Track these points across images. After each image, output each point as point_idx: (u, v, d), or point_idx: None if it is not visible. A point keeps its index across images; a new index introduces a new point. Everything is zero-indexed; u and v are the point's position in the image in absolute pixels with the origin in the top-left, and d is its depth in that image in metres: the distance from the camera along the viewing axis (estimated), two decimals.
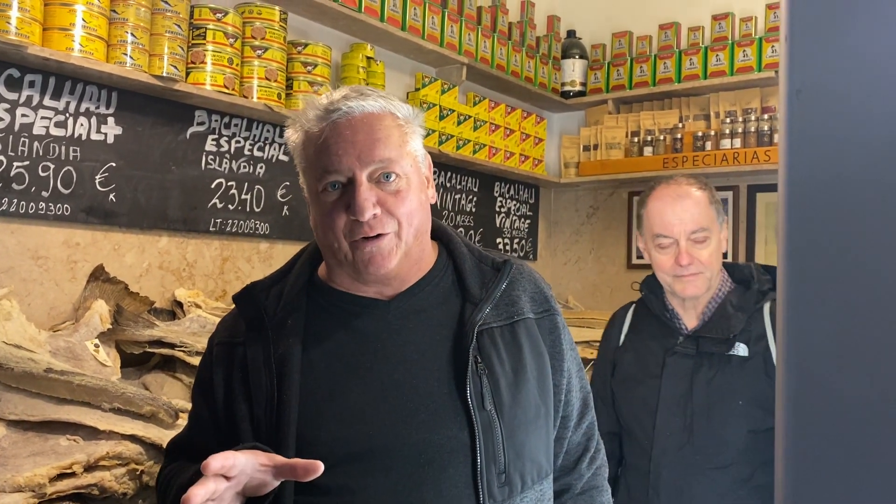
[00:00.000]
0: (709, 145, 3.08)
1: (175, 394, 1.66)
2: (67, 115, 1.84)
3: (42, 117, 1.79)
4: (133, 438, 1.35)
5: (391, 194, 0.97)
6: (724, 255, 1.63)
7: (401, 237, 0.98)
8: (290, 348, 0.98)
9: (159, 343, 1.76)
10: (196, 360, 1.66)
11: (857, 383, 0.38)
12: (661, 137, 3.21)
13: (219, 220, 2.20)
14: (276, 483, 0.87)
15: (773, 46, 2.98)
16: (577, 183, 3.54)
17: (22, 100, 1.76)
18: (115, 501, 1.31)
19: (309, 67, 2.30)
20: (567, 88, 3.51)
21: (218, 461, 0.80)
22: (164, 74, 1.92)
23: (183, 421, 1.42)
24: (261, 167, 2.32)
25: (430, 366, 0.98)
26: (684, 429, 1.53)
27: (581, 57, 3.52)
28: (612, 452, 1.71)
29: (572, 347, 1.12)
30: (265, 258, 2.36)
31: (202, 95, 2.01)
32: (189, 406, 1.24)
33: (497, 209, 3.39)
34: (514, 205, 3.49)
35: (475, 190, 3.23)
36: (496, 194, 3.37)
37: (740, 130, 3.01)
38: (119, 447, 1.32)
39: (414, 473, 0.92)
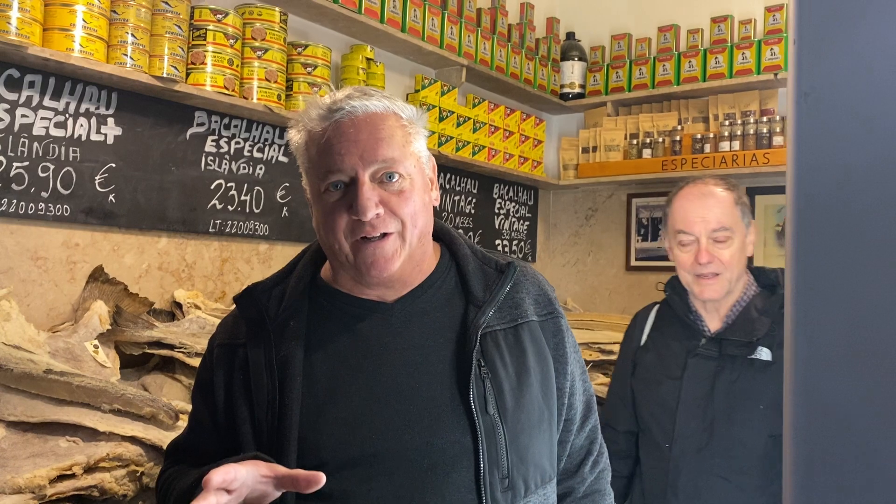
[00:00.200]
0: (708, 147, 3.08)
1: (174, 395, 1.66)
2: (67, 115, 1.84)
3: (42, 118, 1.79)
4: (133, 440, 1.35)
5: (394, 194, 0.96)
6: (751, 260, 1.62)
7: (405, 238, 0.97)
8: (292, 351, 0.97)
9: (158, 344, 1.76)
10: (195, 362, 1.66)
11: (865, 386, 0.38)
12: (660, 140, 3.22)
13: (218, 222, 2.20)
14: (277, 494, 0.86)
15: (771, 49, 2.98)
16: (575, 185, 3.54)
17: (22, 100, 1.75)
18: (115, 503, 1.31)
19: (309, 69, 2.30)
20: (566, 90, 3.51)
21: (219, 476, 0.79)
22: (165, 75, 1.91)
23: (183, 422, 1.41)
24: (260, 168, 2.32)
25: (432, 369, 0.97)
26: (704, 431, 1.51)
27: (580, 59, 3.53)
28: (628, 451, 1.70)
29: (576, 350, 1.11)
30: (264, 259, 2.36)
31: (202, 96, 2.01)
32: (188, 407, 1.24)
33: (496, 211, 3.39)
34: (513, 206, 3.50)
35: (474, 192, 3.23)
36: (495, 196, 3.38)
37: (739, 133, 3.01)
38: (119, 448, 1.31)
39: (416, 478, 0.92)
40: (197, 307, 2.02)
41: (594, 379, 2.45)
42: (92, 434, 1.33)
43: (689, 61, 3.19)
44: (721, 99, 3.19)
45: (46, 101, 1.80)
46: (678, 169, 3.12)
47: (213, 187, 2.18)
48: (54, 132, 1.82)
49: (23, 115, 1.76)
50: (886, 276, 0.37)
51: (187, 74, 2.00)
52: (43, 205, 1.79)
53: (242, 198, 2.27)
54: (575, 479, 1.11)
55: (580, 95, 3.51)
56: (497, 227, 3.40)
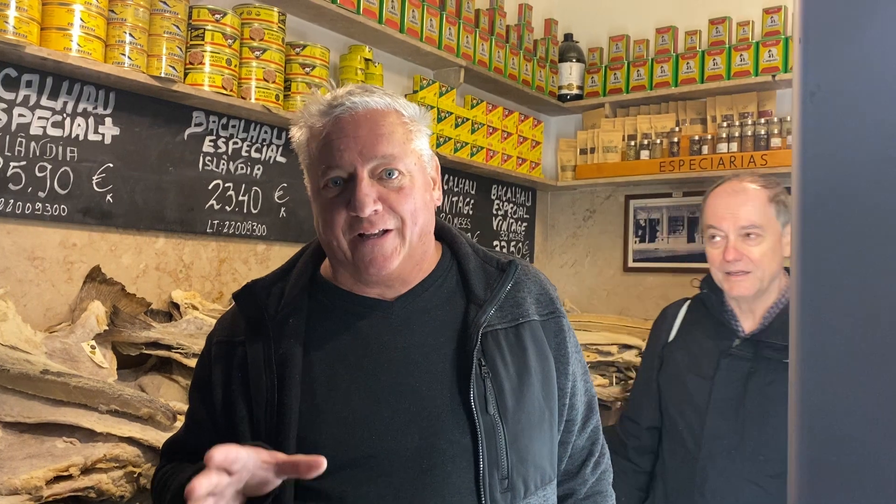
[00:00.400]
0: (705, 149, 3.08)
1: (172, 396, 1.65)
2: (65, 115, 1.83)
3: (39, 117, 1.78)
4: (130, 441, 1.34)
5: (393, 191, 0.95)
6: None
7: (404, 236, 0.96)
8: (291, 349, 0.97)
9: (156, 345, 1.76)
10: (193, 362, 1.65)
11: (872, 384, 0.38)
12: (658, 141, 3.22)
13: (216, 222, 2.19)
14: (278, 481, 0.85)
15: (769, 51, 2.99)
16: (573, 186, 3.54)
17: (19, 99, 1.75)
18: None
19: (307, 69, 2.29)
20: (564, 92, 3.51)
21: (221, 453, 0.79)
22: (163, 75, 1.91)
23: (180, 423, 1.40)
24: (258, 168, 2.31)
25: (432, 368, 0.96)
26: (735, 433, 1.49)
27: (578, 60, 3.53)
28: (651, 446, 1.68)
29: (577, 350, 1.10)
30: (262, 260, 2.35)
31: (200, 96, 2.01)
32: (186, 408, 1.23)
33: (494, 212, 3.39)
34: (511, 207, 3.50)
35: (472, 192, 3.23)
36: (493, 197, 3.37)
37: (737, 134, 3.02)
38: (116, 449, 1.31)
39: (415, 479, 0.91)
40: (194, 308, 2.02)
41: (592, 380, 2.45)
42: (89, 435, 1.32)
43: (687, 63, 3.20)
44: (719, 100, 3.19)
45: (44, 101, 1.79)
46: (676, 170, 3.12)
47: (210, 187, 2.18)
48: (51, 132, 1.81)
49: (20, 115, 1.75)
50: (894, 275, 0.37)
51: (185, 74, 2.00)
52: (40, 205, 1.78)
53: (240, 198, 2.26)
54: (576, 480, 1.10)
55: (578, 97, 3.51)
56: (495, 228, 3.40)
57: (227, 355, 1.01)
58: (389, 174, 0.95)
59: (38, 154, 1.78)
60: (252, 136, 2.29)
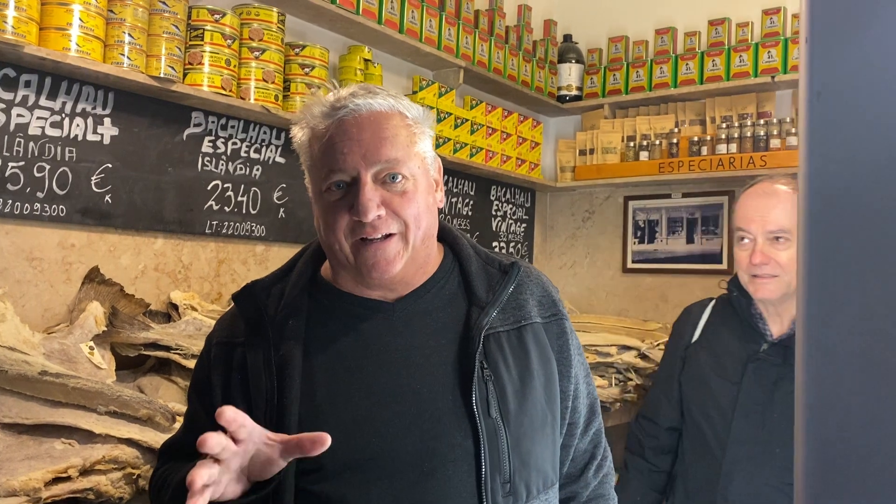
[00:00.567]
0: (705, 150, 3.08)
1: (170, 397, 1.65)
2: (63, 115, 1.83)
3: (38, 117, 1.78)
4: (129, 442, 1.34)
5: (397, 195, 0.95)
6: None
7: (407, 240, 0.96)
8: (292, 351, 0.96)
9: (154, 346, 1.75)
10: (192, 363, 1.65)
11: (879, 386, 0.38)
12: (657, 142, 3.22)
13: (215, 222, 2.19)
14: (283, 463, 0.84)
15: (769, 52, 2.99)
16: (572, 187, 3.54)
17: (18, 100, 1.74)
18: None
19: (306, 69, 2.29)
20: (563, 93, 3.51)
21: (231, 411, 0.78)
22: (162, 75, 1.90)
23: (179, 424, 1.40)
24: (257, 169, 2.31)
25: (434, 371, 0.95)
26: (761, 439, 1.46)
27: (577, 61, 3.53)
28: (670, 447, 1.65)
29: (580, 352, 1.09)
30: (261, 260, 2.35)
31: (199, 97, 2.00)
32: (184, 409, 1.23)
33: (493, 213, 3.38)
34: (510, 208, 3.49)
35: (471, 193, 3.23)
36: (492, 198, 3.37)
37: (736, 135, 3.02)
38: (115, 451, 1.30)
39: (417, 482, 0.90)
40: (193, 308, 2.01)
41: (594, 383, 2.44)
42: (88, 436, 1.31)
43: (687, 64, 3.20)
44: (718, 101, 3.20)
45: (42, 101, 1.79)
46: (675, 171, 3.12)
47: (209, 188, 2.17)
48: (50, 132, 1.81)
49: (19, 115, 1.75)
50: None
51: (184, 74, 1.99)
52: (38, 205, 1.78)
53: (239, 199, 2.26)
54: (578, 483, 1.09)
55: (577, 98, 3.51)
56: (494, 228, 3.39)
57: (227, 357, 1.00)
58: (393, 178, 0.95)
59: (36, 154, 1.78)
60: (251, 137, 2.29)
